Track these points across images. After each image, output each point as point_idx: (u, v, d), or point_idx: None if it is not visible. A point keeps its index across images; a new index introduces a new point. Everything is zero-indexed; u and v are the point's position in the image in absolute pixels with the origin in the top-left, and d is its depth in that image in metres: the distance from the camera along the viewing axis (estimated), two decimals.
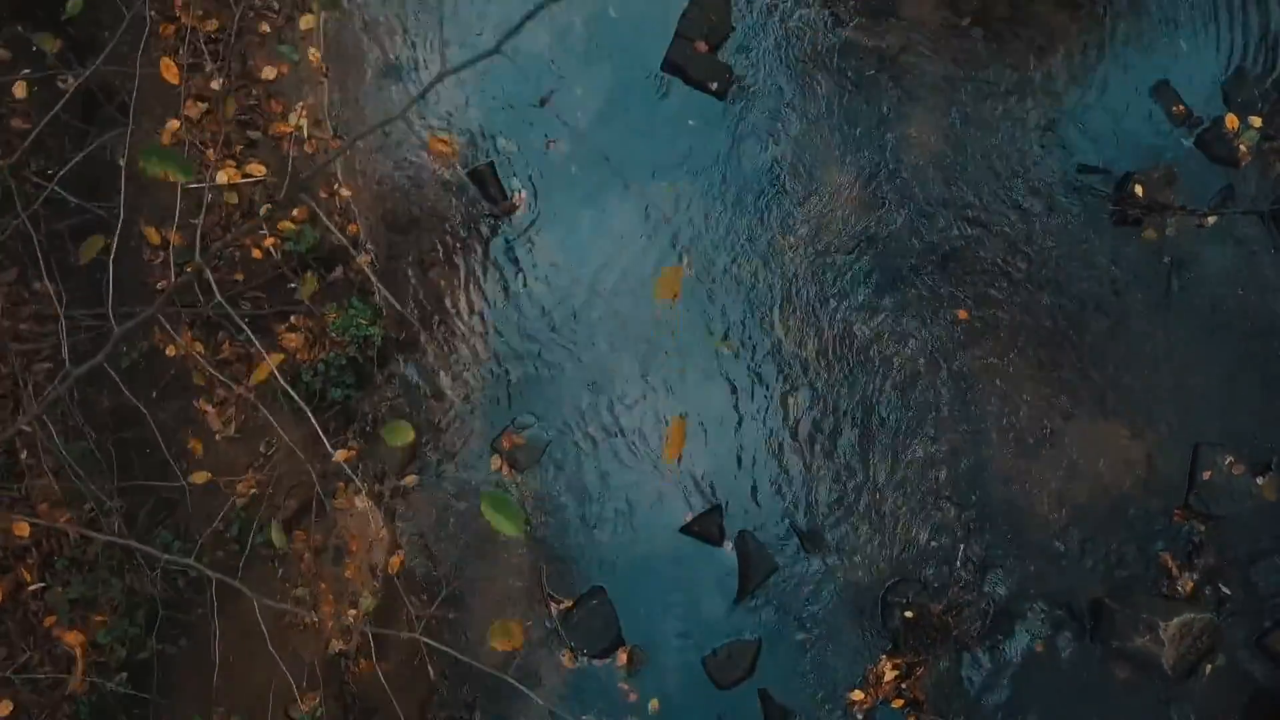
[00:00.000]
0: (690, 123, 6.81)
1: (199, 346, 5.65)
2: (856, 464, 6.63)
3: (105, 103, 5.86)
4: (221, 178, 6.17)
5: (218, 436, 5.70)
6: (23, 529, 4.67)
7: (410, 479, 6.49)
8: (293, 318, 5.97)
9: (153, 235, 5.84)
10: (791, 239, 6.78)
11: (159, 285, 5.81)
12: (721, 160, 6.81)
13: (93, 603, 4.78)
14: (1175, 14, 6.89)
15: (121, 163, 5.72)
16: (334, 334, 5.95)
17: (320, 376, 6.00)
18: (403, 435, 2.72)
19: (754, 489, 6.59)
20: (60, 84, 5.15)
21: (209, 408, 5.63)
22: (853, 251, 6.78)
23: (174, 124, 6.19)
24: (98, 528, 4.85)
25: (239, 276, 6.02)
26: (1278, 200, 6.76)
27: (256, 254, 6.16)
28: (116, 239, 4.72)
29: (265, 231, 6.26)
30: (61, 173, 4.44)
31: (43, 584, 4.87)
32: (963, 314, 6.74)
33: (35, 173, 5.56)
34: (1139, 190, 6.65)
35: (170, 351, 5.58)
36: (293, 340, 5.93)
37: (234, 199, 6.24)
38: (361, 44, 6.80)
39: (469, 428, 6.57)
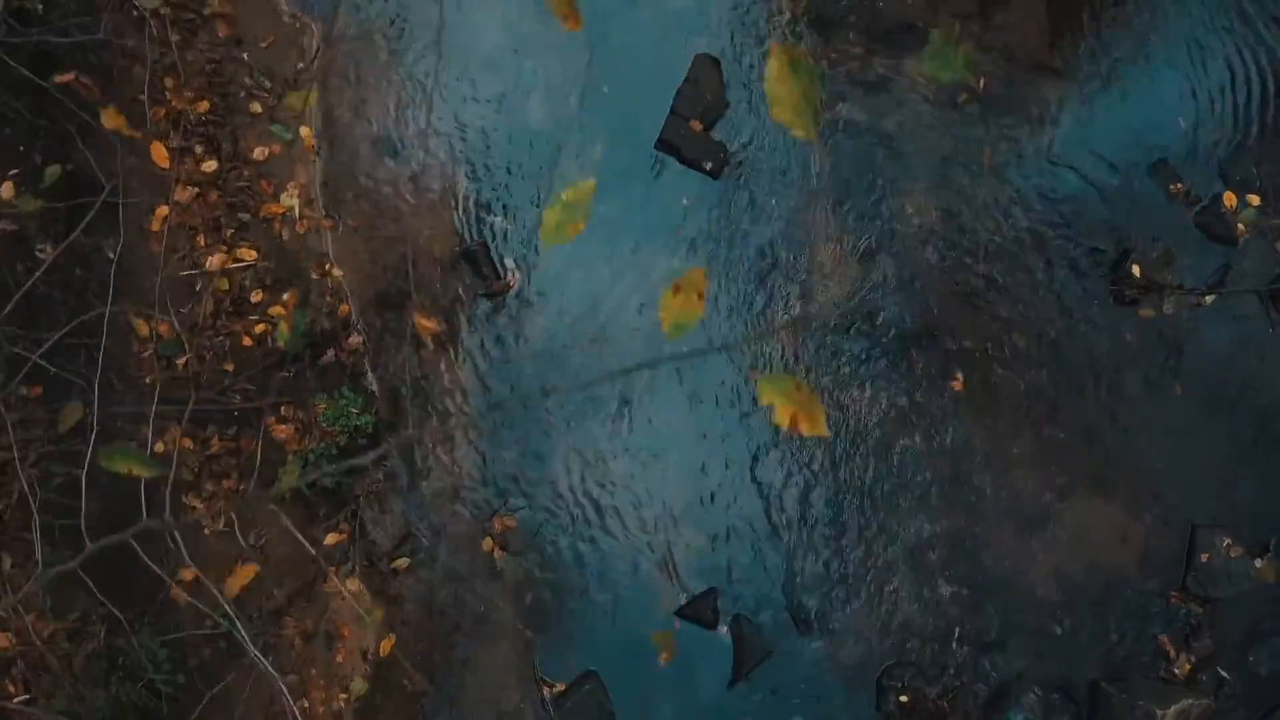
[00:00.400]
0: (684, 201, 6.78)
1: (187, 443, 5.60)
2: (852, 544, 6.59)
3: (92, 194, 5.81)
4: (212, 264, 6.14)
5: (206, 531, 5.65)
6: (4, 641, 4.64)
7: (402, 562, 6.46)
8: (283, 408, 5.93)
9: (141, 327, 5.82)
10: (785, 316, 6.73)
11: (148, 379, 5.76)
12: (716, 238, 6.77)
13: (78, 717, 4.74)
14: (1173, 92, 6.84)
15: (112, 256, 5.70)
16: (324, 424, 5.91)
17: (311, 466, 5.95)
18: None
19: (748, 570, 6.55)
20: (39, 254, 5.10)
21: (198, 503, 5.58)
22: (848, 329, 6.74)
23: (163, 210, 6.16)
24: (84, 637, 4.81)
25: (228, 367, 5.97)
26: (1276, 279, 6.71)
27: (247, 341, 6.12)
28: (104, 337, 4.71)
29: (256, 317, 6.22)
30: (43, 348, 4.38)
31: (27, 695, 4.83)
32: (957, 384, 6.70)
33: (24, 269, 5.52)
34: (1137, 270, 6.61)
35: (159, 448, 5.53)
36: (283, 431, 5.88)
37: (225, 285, 6.20)
38: (354, 120, 6.76)
39: (461, 509, 6.53)
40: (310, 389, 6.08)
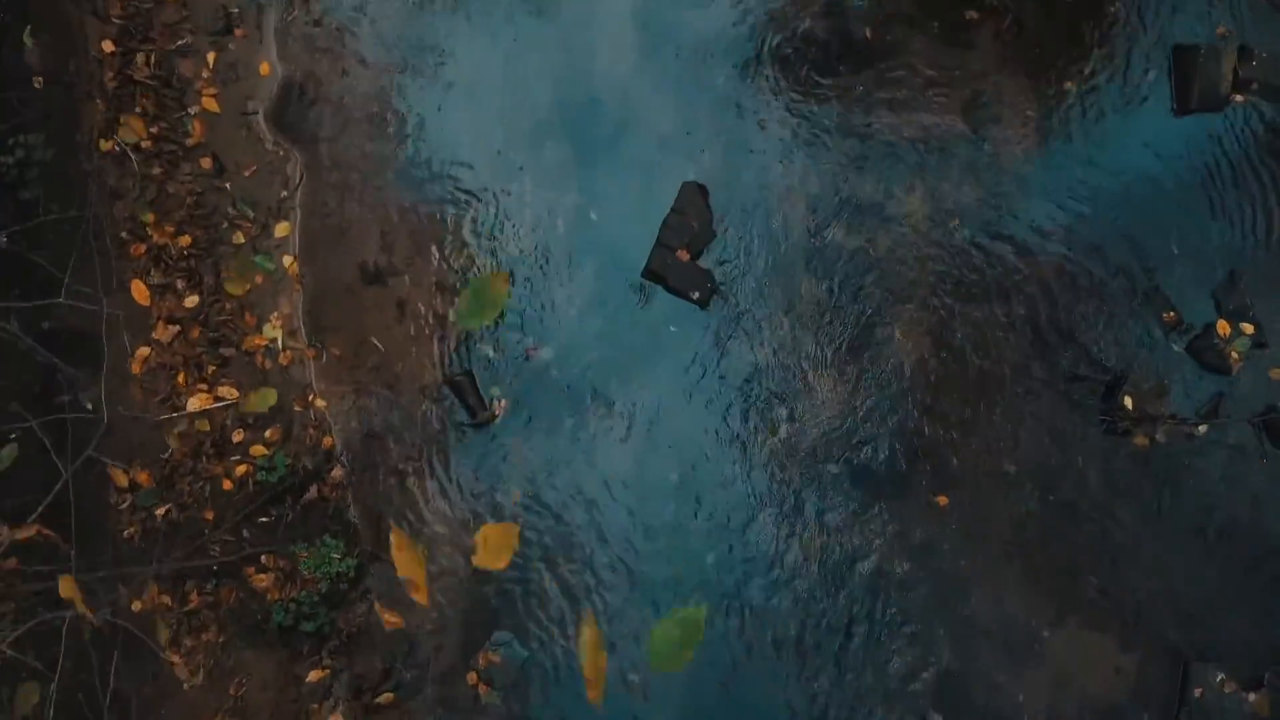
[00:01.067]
0: (672, 329, 6.71)
1: (166, 600, 5.53)
2: (835, 674, 6.51)
3: (72, 346, 5.75)
4: (193, 404, 6.08)
5: (186, 686, 5.58)
6: None
7: (387, 696, 6.38)
8: (263, 557, 5.86)
9: (119, 477, 5.76)
10: (772, 444, 6.67)
11: (125, 533, 5.70)
12: (702, 366, 6.69)
13: None
14: (1166, 219, 6.78)
15: (89, 406, 5.63)
16: (305, 572, 5.84)
17: (292, 614, 5.88)
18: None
19: (733, 702, 6.47)
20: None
21: (176, 658, 5.51)
22: (836, 459, 6.67)
23: (144, 351, 6.11)
24: None
25: (208, 515, 5.90)
26: (1270, 410, 6.64)
27: (227, 485, 6.06)
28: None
29: (238, 458, 6.15)
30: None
31: None
32: (943, 499, 6.63)
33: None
34: (1129, 402, 6.54)
35: (135, 607, 5.47)
36: (263, 581, 5.82)
37: (205, 426, 6.13)
38: (338, 247, 6.69)
39: (445, 644, 6.46)
40: (291, 535, 6.01)
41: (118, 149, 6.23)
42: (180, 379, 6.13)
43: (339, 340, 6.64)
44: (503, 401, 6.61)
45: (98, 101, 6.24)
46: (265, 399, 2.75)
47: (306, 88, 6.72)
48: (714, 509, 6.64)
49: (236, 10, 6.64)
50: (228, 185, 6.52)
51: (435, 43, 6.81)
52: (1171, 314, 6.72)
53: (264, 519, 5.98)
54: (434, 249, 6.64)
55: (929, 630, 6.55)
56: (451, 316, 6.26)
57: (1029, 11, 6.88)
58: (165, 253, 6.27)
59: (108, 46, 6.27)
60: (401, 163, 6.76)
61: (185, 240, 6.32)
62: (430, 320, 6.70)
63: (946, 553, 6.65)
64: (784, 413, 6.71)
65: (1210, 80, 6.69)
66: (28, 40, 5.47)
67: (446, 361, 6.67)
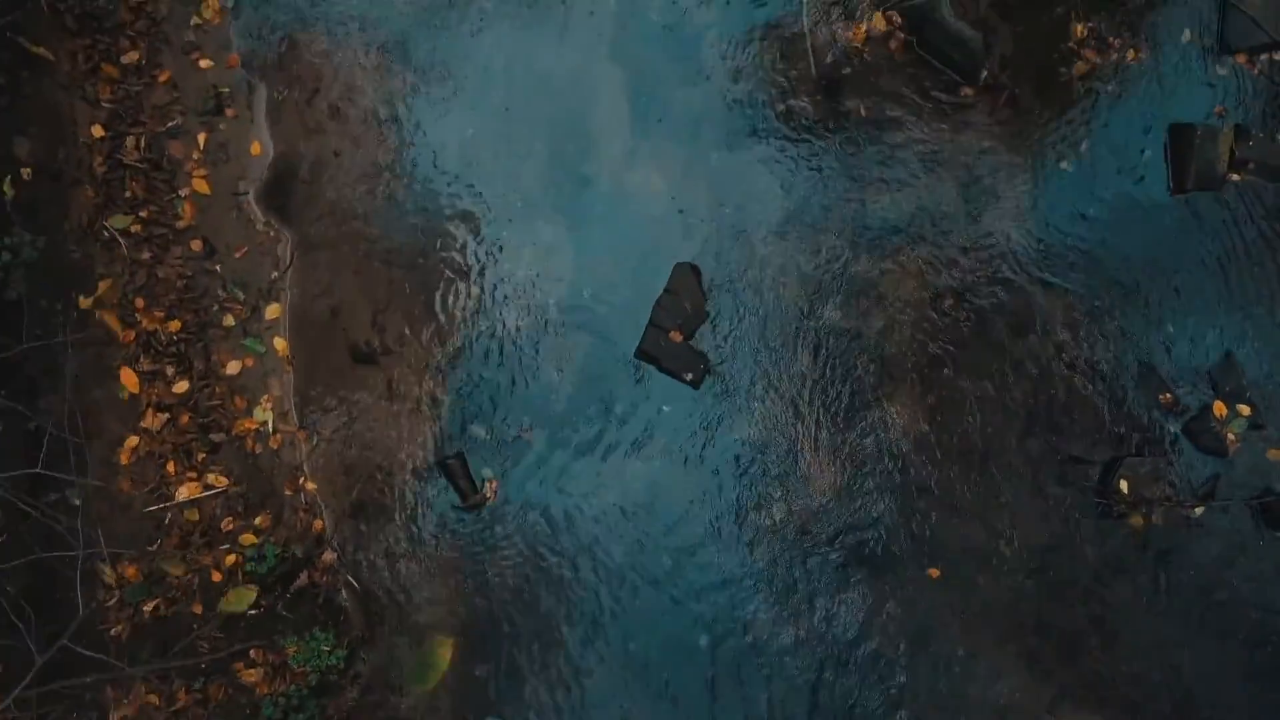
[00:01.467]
0: (665, 409, 6.67)
1: (153, 699, 5.49)
2: None
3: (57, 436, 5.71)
4: (182, 493, 6.05)
5: None
6: None
7: None
8: (252, 651, 5.81)
9: (107, 574, 5.71)
10: (765, 524, 6.63)
11: (113, 631, 5.66)
12: (695, 446, 6.65)
13: None
14: (1162, 299, 6.74)
15: (77, 503, 5.61)
16: (295, 665, 5.79)
17: (281, 708, 5.83)
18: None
19: None
20: None
21: None
22: (830, 539, 6.62)
23: (133, 440, 6.07)
24: None
25: (197, 609, 5.86)
26: (1267, 491, 6.59)
27: (216, 576, 6.01)
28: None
29: (227, 547, 6.12)
30: None
31: None
32: (934, 572, 6.59)
33: None
34: (1124, 486, 6.49)
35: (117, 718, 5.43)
36: (252, 676, 5.77)
37: (195, 516, 6.10)
38: (328, 327, 6.66)
39: None
40: (281, 626, 5.96)
41: (107, 234, 6.19)
42: (170, 468, 6.09)
43: (330, 422, 6.60)
44: (494, 483, 6.57)
45: (87, 188, 6.20)
46: (243, 599, 2.67)
47: (298, 167, 6.68)
48: (707, 591, 6.59)
49: (227, 90, 6.62)
50: (218, 267, 6.49)
51: (427, 123, 6.78)
52: (1168, 395, 6.67)
53: (253, 610, 5.93)
54: (425, 329, 6.60)
55: (925, 714, 6.50)
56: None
57: (1025, 89, 6.84)
58: (155, 338, 6.24)
59: (97, 131, 6.25)
60: (393, 241, 6.72)
61: (175, 325, 6.29)
62: (421, 401, 6.66)
63: (942, 633, 6.61)
64: (777, 492, 6.67)
65: (1207, 160, 6.65)
66: (7, 189, 5.48)
67: (438, 442, 6.63)
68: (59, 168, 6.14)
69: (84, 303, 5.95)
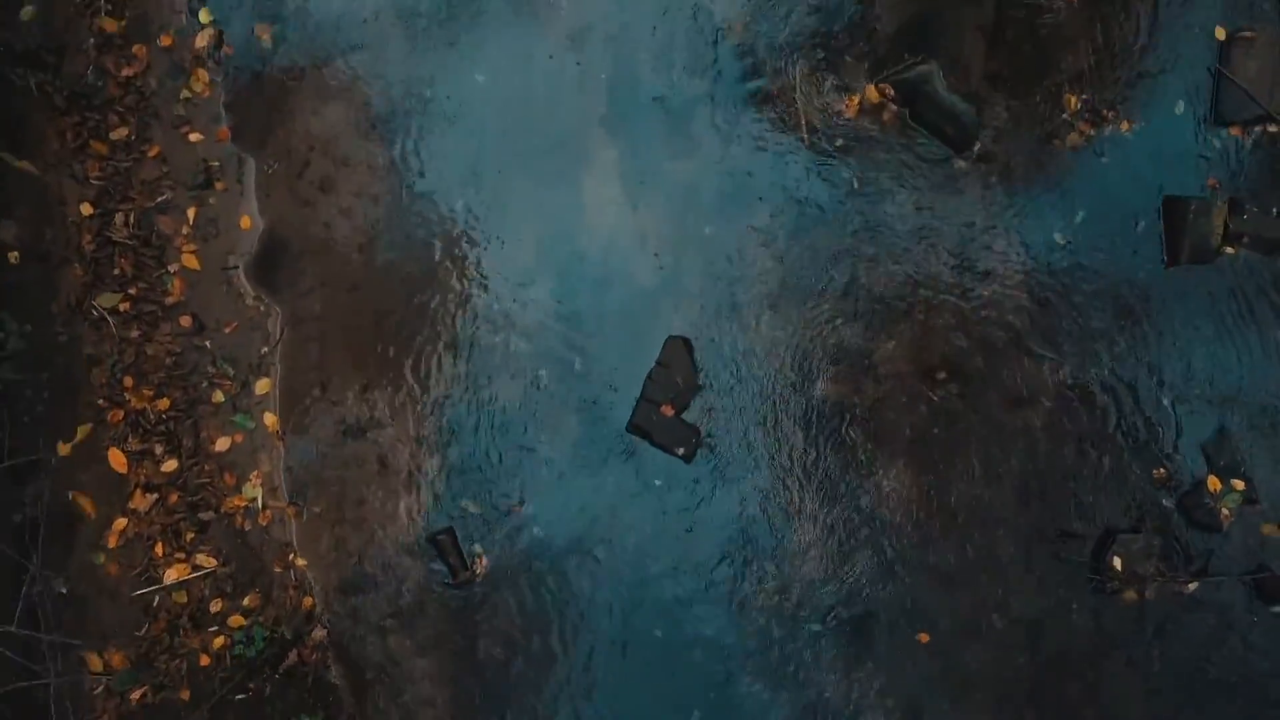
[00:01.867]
0: (657, 482, 6.64)
1: None
2: None
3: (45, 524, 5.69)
4: (170, 575, 6.02)
5: None
6: None
7: None
8: None
9: (94, 662, 5.69)
10: (755, 600, 6.60)
11: None
12: (687, 521, 6.63)
13: None
14: (1156, 374, 6.71)
15: (63, 590, 5.58)
16: None
17: None
18: None
19: None
20: None
21: None
22: (822, 614, 6.60)
23: (121, 523, 6.05)
24: None
25: (184, 695, 5.83)
26: (1261, 566, 6.57)
27: (204, 660, 5.98)
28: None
29: (215, 629, 6.09)
30: None
31: None
32: (924, 637, 6.57)
33: None
34: (1118, 563, 6.47)
35: None
36: None
37: (183, 598, 6.07)
38: (319, 402, 6.63)
39: None
40: (269, 709, 5.93)
41: (95, 313, 6.17)
42: (158, 549, 6.06)
43: (320, 496, 6.58)
44: (483, 559, 6.54)
45: (75, 267, 6.18)
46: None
47: (288, 241, 6.66)
48: (698, 665, 6.57)
49: (218, 163, 6.59)
50: (208, 343, 6.46)
51: (418, 195, 6.76)
52: (1161, 470, 6.65)
53: (241, 695, 5.91)
54: (415, 402, 6.57)
55: None
56: None
57: (1019, 161, 6.81)
58: (144, 417, 6.21)
59: (86, 209, 6.22)
60: (383, 314, 6.70)
61: (164, 403, 6.26)
62: (412, 474, 6.63)
63: (934, 709, 6.58)
64: (769, 567, 6.64)
65: (1201, 234, 6.63)
66: None
67: (429, 516, 6.60)
68: (47, 248, 6.12)
69: (63, 449, 5.93)
